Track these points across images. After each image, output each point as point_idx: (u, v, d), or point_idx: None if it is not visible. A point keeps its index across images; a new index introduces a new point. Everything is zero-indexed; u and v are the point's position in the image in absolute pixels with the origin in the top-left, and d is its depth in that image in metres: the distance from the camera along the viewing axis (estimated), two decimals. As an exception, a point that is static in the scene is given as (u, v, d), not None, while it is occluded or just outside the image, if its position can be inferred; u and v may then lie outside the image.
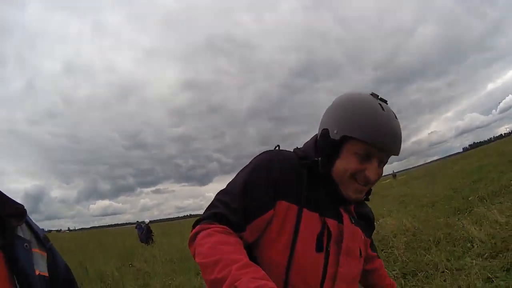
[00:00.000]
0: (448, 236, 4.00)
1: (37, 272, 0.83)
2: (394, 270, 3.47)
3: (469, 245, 3.54)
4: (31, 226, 0.88)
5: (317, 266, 0.82)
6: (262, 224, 0.81)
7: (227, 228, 0.76)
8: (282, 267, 0.80)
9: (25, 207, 0.85)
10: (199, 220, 0.80)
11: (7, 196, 0.85)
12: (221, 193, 0.85)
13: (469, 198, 6.09)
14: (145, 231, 13.11)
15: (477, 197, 5.87)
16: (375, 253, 1.10)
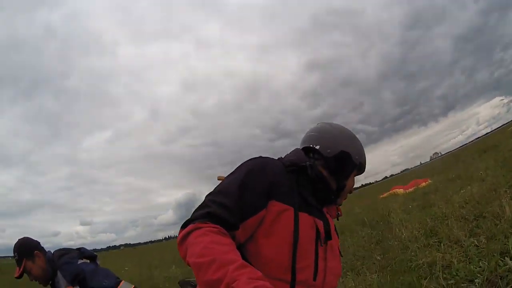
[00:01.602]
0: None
1: None
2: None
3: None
4: (63, 275, 1.72)
5: (309, 260, 0.88)
6: (254, 223, 0.84)
7: (221, 228, 0.77)
8: (283, 267, 0.84)
9: (56, 267, 1.76)
10: (190, 220, 0.80)
11: (55, 258, 1.79)
12: (213, 193, 0.86)
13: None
14: None
15: None
16: None
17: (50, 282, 1.76)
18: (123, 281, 1.79)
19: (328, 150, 1.01)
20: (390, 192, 13.40)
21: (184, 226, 0.80)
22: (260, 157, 0.96)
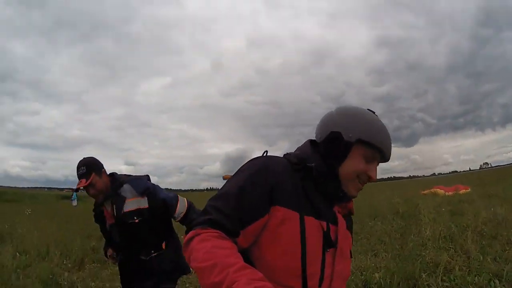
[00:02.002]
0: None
1: (125, 210, 1.85)
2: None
3: None
4: (133, 187, 1.90)
5: (316, 267, 0.84)
6: (257, 229, 0.81)
7: (222, 233, 0.77)
8: (291, 274, 0.81)
9: (123, 182, 1.92)
10: (192, 226, 0.81)
11: (115, 176, 1.99)
12: (214, 199, 0.84)
13: None
14: None
15: None
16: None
17: (110, 198, 1.91)
18: (179, 196, 2.05)
19: (319, 136, 0.93)
20: (432, 190, 13.33)
21: (187, 232, 0.81)
22: (263, 157, 0.91)
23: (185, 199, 2.03)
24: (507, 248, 3.63)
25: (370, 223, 6.72)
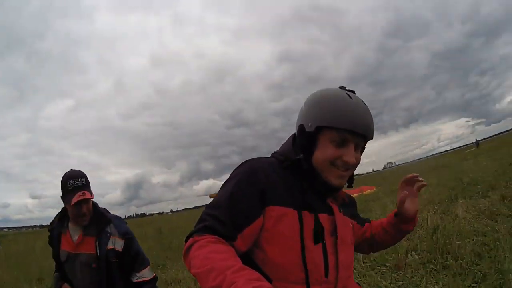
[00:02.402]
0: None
1: (109, 247, 1.64)
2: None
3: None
4: (115, 224, 1.71)
5: (317, 258, 0.84)
6: (253, 231, 0.82)
7: (219, 237, 0.78)
8: (294, 270, 0.82)
9: (111, 219, 1.70)
10: (190, 234, 0.81)
11: (101, 211, 1.72)
12: (209, 206, 0.86)
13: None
14: None
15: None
16: (367, 222, 1.16)
17: (95, 227, 1.68)
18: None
19: (295, 131, 0.95)
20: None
21: (186, 240, 0.81)
22: (250, 160, 0.92)
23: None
24: (417, 230, 4.48)
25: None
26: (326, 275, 0.85)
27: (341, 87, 0.93)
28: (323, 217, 0.88)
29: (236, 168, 0.91)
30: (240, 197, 0.83)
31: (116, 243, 1.69)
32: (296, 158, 0.89)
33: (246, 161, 0.92)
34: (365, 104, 0.89)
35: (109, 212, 1.83)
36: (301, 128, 0.91)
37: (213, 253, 0.72)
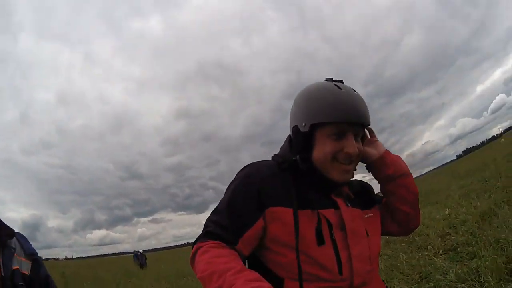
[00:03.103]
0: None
1: (15, 267, 1.29)
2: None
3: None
4: (20, 243, 1.40)
5: (328, 255, 0.83)
6: (254, 235, 0.84)
7: (221, 242, 0.81)
8: (293, 267, 0.81)
9: (14, 230, 1.36)
10: (195, 241, 0.86)
11: (2, 222, 1.35)
12: (212, 213, 0.89)
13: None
14: (144, 258, 17.39)
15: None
16: (384, 198, 1.06)
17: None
18: None
19: (290, 134, 0.96)
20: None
21: (192, 246, 0.86)
22: (248, 165, 0.93)
23: None
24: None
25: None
26: (340, 271, 0.83)
27: (327, 79, 0.92)
28: (329, 213, 0.87)
29: (237, 173, 0.93)
30: (237, 203, 0.86)
31: (23, 265, 1.37)
32: (292, 159, 0.89)
33: (245, 166, 0.93)
34: (355, 91, 0.88)
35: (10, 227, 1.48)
36: (295, 129, 0.90)
37: (215, 257, 0.75)
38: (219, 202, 0.90)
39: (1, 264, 1.29)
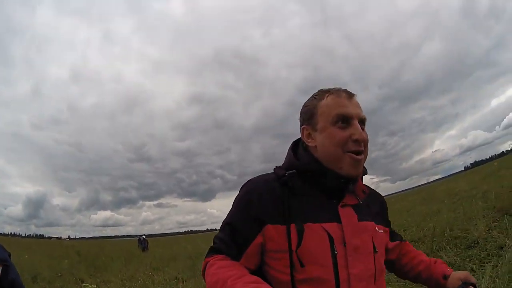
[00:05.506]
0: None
1: None
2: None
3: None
4: None
5: (325, 275, 0.81)
6: (254, 251, 0.87)
7: (225, 256, 0.88)
8: (288, 284, 0.82)
9: None
10: (206, 256, 0.93)
11: None
12: (219, 231, 0.95)
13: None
14: (146, 243, 18.20)
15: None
16: (397, 241, 1.06)
17: None
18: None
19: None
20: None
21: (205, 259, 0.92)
22: (248, 183, 0.94)
23: None
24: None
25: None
26: None
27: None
28: (331, 226, 0.85)
29: (240, 189, 0.96)
30: (237, 221, 0.90)
31: None
32: (286, 172, 0.89)
33: (245, 183, 0.96)
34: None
35: None
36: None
37: (220, 268, 0.83)
38: (226, 217, 0.95)
39: None
